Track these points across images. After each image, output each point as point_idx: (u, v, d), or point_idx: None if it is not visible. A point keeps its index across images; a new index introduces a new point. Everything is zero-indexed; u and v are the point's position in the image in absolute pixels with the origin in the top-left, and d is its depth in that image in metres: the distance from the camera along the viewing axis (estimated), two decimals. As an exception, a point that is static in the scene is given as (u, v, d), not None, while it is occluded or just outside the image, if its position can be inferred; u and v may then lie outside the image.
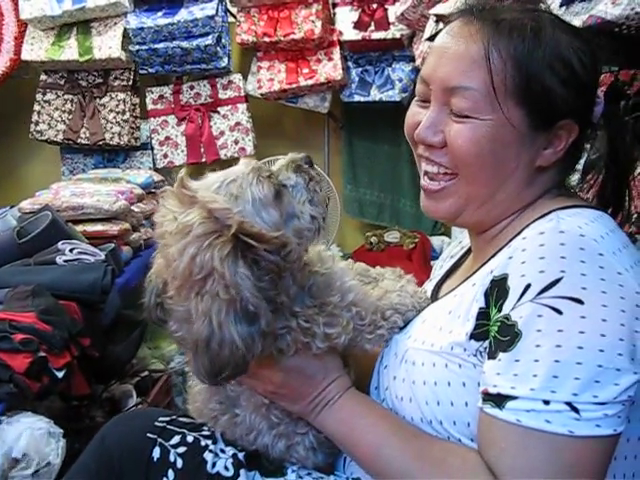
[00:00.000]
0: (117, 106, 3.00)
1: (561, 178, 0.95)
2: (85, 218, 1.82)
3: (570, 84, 0.87)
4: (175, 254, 0.78)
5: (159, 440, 0.91)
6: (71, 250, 1.55)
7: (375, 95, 3.04)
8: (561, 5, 1.22)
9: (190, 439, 0.92)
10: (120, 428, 0.95)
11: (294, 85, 3.00)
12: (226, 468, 0.90)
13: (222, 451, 0.92)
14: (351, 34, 2.98)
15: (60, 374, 1.23)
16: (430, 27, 2.38)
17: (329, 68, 3.01)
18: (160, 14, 2.95)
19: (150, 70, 3.01)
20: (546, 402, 0.75)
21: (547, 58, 0.86)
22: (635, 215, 1.09)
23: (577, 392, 0.74)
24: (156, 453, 0.90)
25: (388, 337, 0.95)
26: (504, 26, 0.87)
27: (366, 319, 0.92)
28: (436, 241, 3.15)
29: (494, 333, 0.80)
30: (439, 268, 1.12)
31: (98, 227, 1.81)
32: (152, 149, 3.09)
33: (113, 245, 1.77)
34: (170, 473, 0.89)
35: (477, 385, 0.81)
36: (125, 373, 1.85)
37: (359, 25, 2.99)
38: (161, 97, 3.12)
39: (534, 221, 0.86)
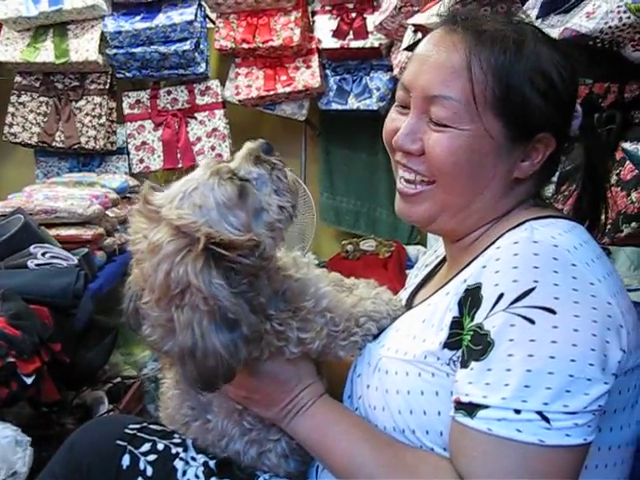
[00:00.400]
0: (93, 110, 2.98)
1: (537, 189, 0.96)
2: (58, 222, 1.80)
3: (549, 98, 0.87)
4: (150, 271, 0.78)
5: (129, 447, 0.90)
6: (43, 254, 1.53)
7: (353, 104, 3.05)
8: (537, 17, 1.23)
9: (161, 447, 0.91)
10: (89, 435, 0.93)
11: (272, 92, 3.00)
12: (197, 476, 0.89)
13: (193, 459, 0.91)
14: (330, 42, 2.99)
15: (29, 380, 1.21)
16: (408, 37, 2.40)
17: (307, 76, 3.02)
18: (138, 18, 2.93)
19: (127, 74, 3.00)
20: (517, 411, 0.75)
21: (528, 71, 0.86)
22: (609, 226, 1.10)
23: (548, 401, 0.74)
24: (126, 461, 0.89)
25: (362, 344, 0.95)
26: (486, 37, 0.87)
27: (340, 325, 0.92)
28: (412, 250, 3.16)
29: (467, 342, 0.80)
30: (414, 277, 1.12)
31: (72, 231, 1.78)
32: (128, 154, 3.08)
33: (87, 250, 1.74)
34: None
35: (450, 394, 0.81)
36: (97, 379, 1.83)
37: (338, 33, 3.01)
38: (138, 102, 3.10)
39: (508, 231, 0.87)
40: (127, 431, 0.92)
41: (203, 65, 2.98)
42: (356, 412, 0.93)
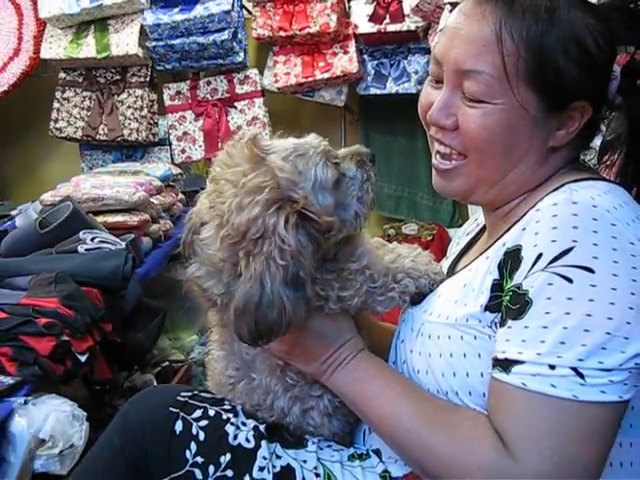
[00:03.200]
0: (135, 102, 3.03)
1: (575, 155, 0.95)
2: (105, 209, 1.84)
3: (584, 65, 0.87)
4: (234, 206, 0.81)
5: (181, 414, 0.92)
6: (92, 239, 1.57)
7: (391, 88, 3.05)
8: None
9: (212, 413, 0.93)
10: (143, 403, 0.96)
11: (310, 79, 3.01)
12: (247, 440, 0.91)
13: (243, 424, 0.93)
14: (366, 27, 2.99)
15: (83, 358, 1.25)
16: (445, 17, 2.38)
17: (345, 61, 3.02)
18: (176, 10, 2.97)
19: (167, 66, 3.04)
20: (552, 367, 0.76)
21: (561, 40, 0.85)
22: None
23: (583, 358, 0.75)
24: (178, 426, 0.91)
25: (399, 301, 0.96)
26: (517, 6, 0.86)
27: (378, 282, 0.94)
28: (454, 233, 3.15)
29: (506, 302, 0.82)
30: (455, 245, 1.13)
31: (118, 218, 1.83)
32: (170, 144, 3.12)
33: (133, 235, 1.78)
34: (192, 445, 0.90)
35: (491, 356, 0.82)
36: (146, 363, 1.87)
37: (374, 18, 3.00)
38: (178, 93, 3.14)
39: (547, 194, 0.86)
40: (179, 399, 0.94)
41: (242, 54, 3.01)
42: (408, 379, 0.93)
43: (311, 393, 0.95)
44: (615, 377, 0.75)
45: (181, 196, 2.38)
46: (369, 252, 0.95)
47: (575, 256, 0.78)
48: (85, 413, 1.17)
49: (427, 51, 2.89)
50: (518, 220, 0.88)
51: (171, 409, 0.92)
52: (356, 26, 3.02)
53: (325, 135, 3.56)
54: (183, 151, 3.13)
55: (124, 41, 2.97)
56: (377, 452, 0.93)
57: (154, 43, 2.97)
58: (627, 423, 0.81)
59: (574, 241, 0.78)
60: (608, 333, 0.75)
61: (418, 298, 0.98)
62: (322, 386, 0.94)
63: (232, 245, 0.82)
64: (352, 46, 3.01)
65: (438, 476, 0.82)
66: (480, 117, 0.87)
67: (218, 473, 0.88)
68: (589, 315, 0.76)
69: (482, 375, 0.84)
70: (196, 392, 0.97)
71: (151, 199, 1.96)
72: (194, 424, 0.91)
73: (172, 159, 3.10)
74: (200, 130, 3.12)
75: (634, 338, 0.76)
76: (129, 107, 3.03)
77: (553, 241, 0.79)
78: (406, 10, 2.87)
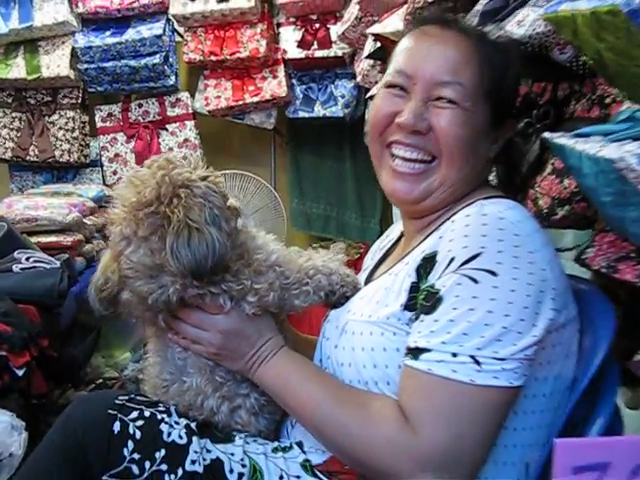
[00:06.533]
0: (66, 124, 3.04)
1: (487, 175, 1.11)
2: (39, 230, 1.87)
3: (516, 92, 1.09)
4: (145, 189, 0.96)
5: (119, 415, 0.99)
6: (27, 259, 1.61)
7: (319, 111, 3.14)
8: (477, 25, 1.36)
9: (147, 414, 1.00)
10: (83, 406, 1.02)
11: (240, 102, 3.09)
12: (180, 437, 0.98)
13: (176, 423, 1.00)
14: (295, 52, 3.08)
15: (20, 372, 1.29)
16: (369, 45, 2.52)
17: (274, 85, 3.11)
18: (108, 33, 3.00)
19: (99, 88, 3.06)
20: (454, 354, 0.87)
21: (510, 70, 1.05)
22: (545, 210, 1.23)
23: (480, 347, 0.86)
24: (116, 427, 0.97)
25: (314, 295, 1.06)
26: (487, 39, 1.05)
27: (290, 278, 1.04)
28: None
29: (420, 300, 0.93)
30: (370, 259, 1.23)
31: (52, 238, 1.86)
32: (102, 166, 3.14)
33: (67, 255, 1.82)
34: (130, 443, 0.96)
35: None
36: (80, 380, 1.90)
37: (302, 44, 3.10)
38: (110, 115, 3.17)
39: (462, 208, 0.99)
40: (117, 402, 1.01)
41: (173, 78, 3.06)
42: (326, 371, 1.03)
43: (239, 392, 1.03)
44: (507, 365, 0.86)
45: (114, 216, 2.42)
46: (279, 251, 1.05)
47: (482, 261, 0.89)
48: (24, 423, 1.22)
49: (353, 76, 2.99)
50: (435, 230, 1.00)
51: (109, 411, 0.99)
52: (285, 51, 3.11)
53: (256, 157, 3.67)
54: (115, 172, 3.15)
55: (55, 63, 2.98)
56: (299, 444, 1.01)
57: (85, 65, 2.99)
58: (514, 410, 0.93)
59: (482, 247, 0.90)
60: (504, 327, 0.86)
61: (339, 300, 1.08)
62: (249, 385, 1.03)
63: (150, 218, 0.94)
64: (281, 71, 3.11)
65: (352, 452, 0.91)
66: (452, 116, 0.99)
67: (154, 467, 0.95)
68: (490, 312, 0.87)
69: (399, 367, 0.94)
70: (132, 396, 1.04)
71: (84, 220, 2.00)
72: (131, 424, 0.98)
73: (104, 180, 3.12)
74: (132, 152, 3.15)
75: (526, 333, 0.87)
76: (60, 128, 3.04)
77: (464, 247, 0.91)
78: (333, 37, 2.98)
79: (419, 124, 1.01)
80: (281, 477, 0.97)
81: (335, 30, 2.92)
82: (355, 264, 3.34)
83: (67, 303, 1.55)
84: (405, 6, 1.87)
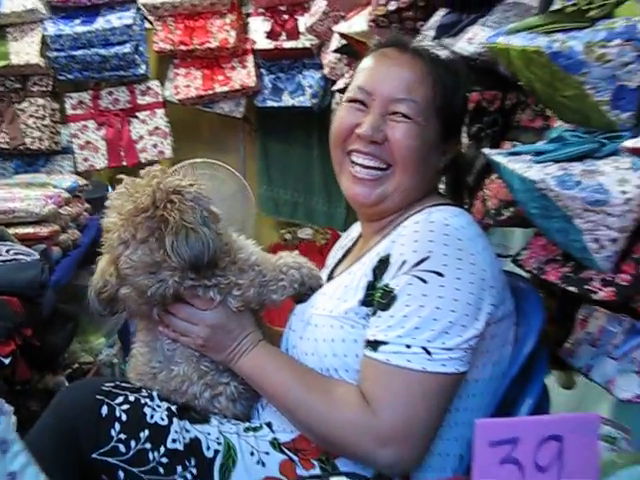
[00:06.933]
0: (37, 111, 3.06)
1: (437, 184, 1.23)
2: (16, 221, 1.94)
3: (464, 113, 1.22)
4: (141, 197, 1.06)
5: (106, 400, 1.09)
6: (7, 251, 1.68)
7: (287, 101, 3.22)
8: (433, 39, 1.47)
9: (132, 398, 1.11)
10: (73, 393, 1.13)
11: (210, 92, 3.15)
12: (162, 419, 1.09)
13: (158, 406, 1.11)
14: (264, 43, 3.15)
15: (6, 360, 1.37)
16: (336, 40, 2.60)
17: (243, 75, 3.17)
18: (78, 22, 3.01)
19: (69, 76, 3.09)
20: (408, 346, 0.99)
21: (460, 92, 1.17)
22: (492, 211, 1.36)
23: (431, 339, 0.98)
24: (104, 410, 1.08)
25: (290, 288, 1.17)
26: (440, 62, 1.17)
27: (267, 275, 1.15)
28: None
29: (377, 298, 1.05)
30: (332, 257, 1.35)
31: (29, 229, 1.92)
32: (73, 153, 3.18)
33: (44, 246, 1.89)
34: (116, 425, 1.07)
35: (364, 341, 1.04)
36: (58, 365, 1.98)
37: (271, 35, 3.17)
38: (80, 102, 3.20)
39: (412, 215, 1.12)
40: (104, 388, 1.11)
41: (143, 67, 3.10)
42: (296, 361, 1.14)
43: (220, 380, 1.15)
44: (454, 354, 0.99)
45: (87, 205, 2.48)
46: (256, 253, 1.17)
47: (430, 263, 1.01)
48: (12, 407, 1.30)
49: (320, 66, 3.07)
50: (388, 233, 1.12)
51: (97, 397, 1.09)
52: (254, 42, 3.17)
53: (225, 145, 3.75)
54: (86, 160, 3.20)
55: (24, 50, 2.98)
56: (269, 424, 1.13)
57: (55, 54, 3.01)
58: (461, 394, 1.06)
59: (430, 251, 1.02)
60: (451, 322, 0.99)
61: (305, 294, 1.20)
62: (230, 374, 1.15)
63: (149, 222, 1.05)
64: (250, 61, 3.18)
65: (320, 432, 1.04)
66: (406, 130, 1.11)
67: (139, 446, 1.06)
68: (438, 308, 0.99)
69: (357, 356, 1.06)
70: (118, 383, 1.14)
71: (60, 210, 2.07)
72: (117, 408, 1.08)
73: (75, 167, 3.17)
74: (103, 139, 3.20)
75: (469, 326, 1.00)
76: (31, 116, 3.06)
77: (414, 251, 1.02)
78: (301, 28, 3.04)
79: (376, 135, 1.12)
80: (252, 453, 1.08)
81: (303, 21, 2.98)
82: (322, 250, 3.47)
83: (47, 293, 1.63)
84: (370, 8, 1.97)
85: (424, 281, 1.01)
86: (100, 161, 3.20)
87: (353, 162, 1.16)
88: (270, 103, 3.26)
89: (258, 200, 3.46)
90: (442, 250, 1.02)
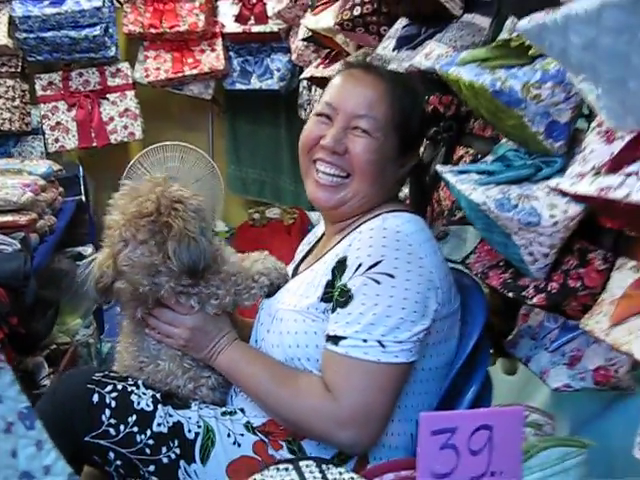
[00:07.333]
0: (6, 92, 3.06)
1: (398, 190, 1.36)
2: (-5, 210, 2.01)
3: (423, 131, 1.36)
4: (146, 201, 1.18)
5: (97, 389, 1.21)
6: (-11, 241, 1.76)
7: (255, 84, 3.29)
8: (393, 49, 1.58)
9: (120, 387, 1.23)
10: (67, 382, 1.25)
11: (180, 74, 3.20)
12: (147, 405, 1.21)
13: (144, 394, 1.23)
14: (232, 27, 3.21)
15: (-5, 349, 1.48)
16: (303, 30, 2.68)
17: (212, 59, 3.22)
18: (46, 3, 3.01)
19: (39, 58, 3.10)
20: (365, 340, 1.12)
21: (417, 111, 1.30)
22: (446, 212, 1.49)
23: (384, 334, 1.11)
24: (95, 398, 1.20)
25: (260, 292, 1.30)
26: (399, 82, 1.29)
27: (242, 284, 1.27)
28: (313, 216, 3.41)
29: (336, 296, 1.17)
30: (299, 252, 1.48)
31: (8, 218, 1.99)
32: (43, 134, 3.20)
33: (23, 234, 1.97)
34: (107, 411, 1.19)
35: (323, 333, 1.17)
36: (37, 347, 2.07)
37: (240, 19, 3.22)
38: (50, 83, 3.22)
39: (369, 220, 1.24)
40: (94, 378, 1.23)
41: (113, 49, 3.13)
42: (266, 354, 1.27)
43: (202, 374, 1.27)
44: (405, 347, 1.12)
45: (61, 189, 2.55)
46: (234, 264, 1.29)
47: (383, 266, 1.14)
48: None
49: (288, 50, 3.14)
50: (347, 235, 1.24)
51: (88, 385, 1.21)
52: (223, 25, 3.23)
53: (194, 125, 3.82)
54: (57, 140, 3.23)
55: (-8, 31, 3.00)
56: (242, 410, 1.25)
57: (24, 35, 3.01)
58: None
59: (382, 256, 1.14)
60: (401, 318, 1.12)
61: (273, 291, 1.31)
62: (210, 369, 1.27)
63: (150, 225, 1.16)
64: (219, 44, 3.23)
65: (287, 418, 1.17)
66: (365, 144, 1.23)
67: (127, 430, 1.18)
68: (390, 306, 1.12)
69: (317, 346, 1.18)
70: (106, 373, 1.26)
71: (37, 197, 2.14)
72: (107, 395, 1.20)
73: (46, 148, 3.20)
74: (73, 120, 3.23)
75: (418, 322, 1.13)
76: (0, 97, 3.07)
77: (369, 255, 1.15)
78: (269, 12, 3.10)
79: (337, 147, 1.24)
80: (229, 435, 1.21)
81: (272, 6, 3.04)
82: (289, 229, 3.58)
83: (30, 282, 1.72)
84: (337, 4, 2.07)
85: (377, 282, 1.13)
86: (71, 142, 3.24)
87: (317, 170, 1.28)
88: (239, 86, 3.33)
89: (226, 179, 3.54)
90: (394, 254, 1.15)
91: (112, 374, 1.27)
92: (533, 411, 1.10)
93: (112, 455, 1.18)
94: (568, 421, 1.27)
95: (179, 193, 1.20)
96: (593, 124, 0.90)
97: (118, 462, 1.18)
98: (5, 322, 1.54)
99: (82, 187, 3.10)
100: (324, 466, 0.90)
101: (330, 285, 1.20)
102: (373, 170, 1.24)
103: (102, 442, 1.18)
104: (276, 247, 3.52)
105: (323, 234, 1.41)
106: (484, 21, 1.35)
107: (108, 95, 3.25)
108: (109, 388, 1.22)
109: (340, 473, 0.90)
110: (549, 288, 1.03)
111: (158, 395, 1.24)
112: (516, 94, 0.96)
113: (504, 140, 1.23)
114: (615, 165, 0.75)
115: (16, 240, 1.90)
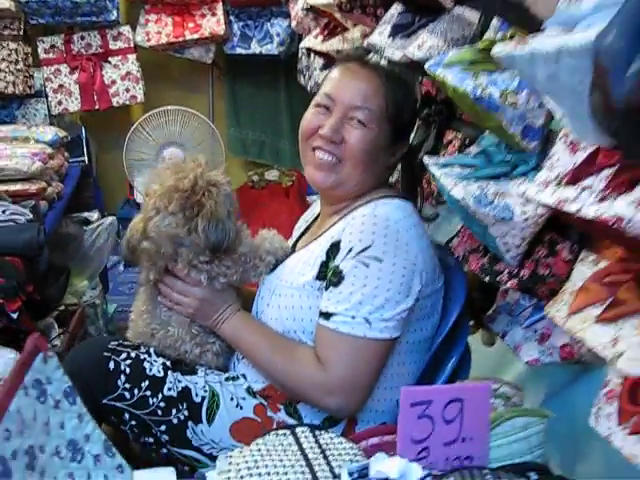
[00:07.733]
0: (9, 55, 3.09)
1: (387, 177, 1.46)
2: (5, 179, 2.09)
3: (413, 121, 1.46)
4: (184, 178, 1.30)
5: (112, 356, 1.34)
6: (3, 212, 1.85)
7: (255, 48, 3.33)
8: (389, 36, 1.66)
9: (133, 355, 1.35)
10: (84, 350, 1.38)
11: (181, 39, 3.23)
12: (158, 371, 1.34)
13: (155, 361, 1.36)
14: (233, -10, 3.23)
15: (15, 315, 1.59)
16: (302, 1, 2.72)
17: (213, 23, 3.26)
18: (48, -34, 3.06)
19: (40, 21, 3.12)
20: (353, 317, 1.24)
21: (410, 104, 1.41)
22: (436, 192, 1.59)
23: (371, 312, 1.23)
24: (111, 365, 1.33)
25: (266, 271, 1.42)
26: (393, 77, 1.39)
27: (250, 263, 1.39)
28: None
29: (329, 276, 1.28)
30: (298, 229, 1.59)
31: (18, 186, 2.08)
32: (47, 96, 3.26)
33: (33, 202, 2.06)
34: (122, 377, 1.32)
35: (317, 308, 1.29)
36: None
37: (240, -18, 3.26)
38: (53, 47, 3.26)
39: (361, 206, 1.35)
40: (109, 346, 1.36)
41: (114, 12, 3.16)
42: (265, 325, 1.39)
43: (208, 340, 1.40)
44: (389, 324, 1.24)
45: (66, 155, 2.63)
46: (246, 244, 1.39)
47: (372, 250, 1.25)
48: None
49: (288, 15, 3.16)
50: (342, 218, 1.35)
51: (104, 353, 1.34)
52: (223, -11, 3.28)
53: (194, 88, 3.88)
54: (60, 103, 3.28)
55: (-6, -7, 3.02)
56: (244, 375, 1.38)
57: (26, -2, 3.07)
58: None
59: (372, 241, 1.25)
60: (387, 298, 1.23)
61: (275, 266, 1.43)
62: (215, 335, 1.40)
63: (183, 201, 1.28)
64: (220, 8, 3.26)
65: (284, 384, 1.30)
66: (360, 135, 1.33)
67: (141, 393, 1.31)
68: (376, 287, 1.23)
69: (311, 320, 1.30)
70: (120, 341, 1.39)
71: (46, 166, 2.23)
72: (122, 363, 1.33)
73: (49, 110, 3.26)
74: (75, 83, 3.28)
75: (401, 301, 1.25)
76: (3, 60, 3.09)
77: (360, 240, 1.26)
78: (269, -24, 3.15)
79: (334, 136, 1.34)
80: (232, 398, 1.34)
81: (272, -31, 3.05)
82: (287, 191, 3.67)
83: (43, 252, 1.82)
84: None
85: (366, 265, 1.25)
86: (74, 104, 3.30)
87: (316, 156, 1.38)
88: (239, 50, 3.37)
89: (226, 141, 3.60)
90: (382, 240, 1.26)
91: (126, 342, 1.39)
92: (503, 384, 1.23)
93: (127, 416, 1.31)
94: (540, 390, 1.40)
95: (216, 177, 1.32)
96: (560, 133, 0.99)
97: (133, 422, 1.31)
98: (22, 290, 1.65)
99: (85, 149, 3.19)
100: (317, 432, 1.04)
101: (324, 265, 1.31)
102: (366, 159, 1.34)
103: (118, 404, 1.31)
104: (274, 209, 3.65)
105: (319, 214, 1.52)
106: (473, 15, 1.42)
107: (110, 58, 3.29)
108: (123, 356, 1.34)
109: (331, 438, 1.03)
110: (521, 274, 1.15)
111: (168, 362, 1.37)
112: (495, 101, 1.06)
113: (486, 132, 1.32)
114: (574, 178, 0.85)
115: (27, 209, 1.99)
